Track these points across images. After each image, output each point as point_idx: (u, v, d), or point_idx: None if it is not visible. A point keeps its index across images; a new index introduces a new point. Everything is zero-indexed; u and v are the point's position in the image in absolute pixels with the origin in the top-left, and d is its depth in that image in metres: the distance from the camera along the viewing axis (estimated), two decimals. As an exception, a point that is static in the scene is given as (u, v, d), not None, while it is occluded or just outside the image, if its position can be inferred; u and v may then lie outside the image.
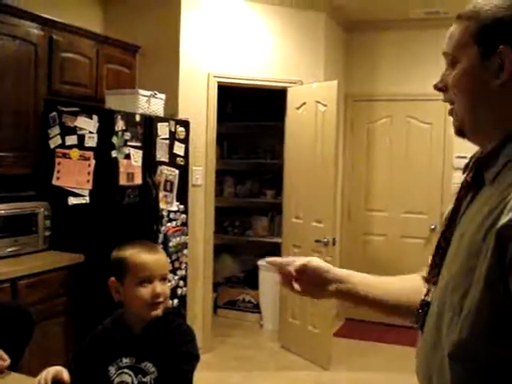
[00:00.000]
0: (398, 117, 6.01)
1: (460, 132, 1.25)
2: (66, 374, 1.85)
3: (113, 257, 2.06)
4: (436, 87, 1.30)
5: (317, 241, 4.79)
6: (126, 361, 1.96)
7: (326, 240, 4.73)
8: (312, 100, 4.94)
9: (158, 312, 1.98)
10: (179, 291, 4.48)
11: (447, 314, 1.07)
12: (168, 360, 1.91)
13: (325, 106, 4.80)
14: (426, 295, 1.25)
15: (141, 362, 1.94)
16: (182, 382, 1.92)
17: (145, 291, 1.95)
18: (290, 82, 5.24)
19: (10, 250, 3.62)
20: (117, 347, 1.98)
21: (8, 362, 2.00)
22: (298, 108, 5.12)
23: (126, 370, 1.95)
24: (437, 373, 1.11)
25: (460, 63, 1.20)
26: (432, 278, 1.24)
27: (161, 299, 1.97)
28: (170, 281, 4.35)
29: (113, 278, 2.03)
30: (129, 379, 1.94)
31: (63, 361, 2.19)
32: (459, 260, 1.07)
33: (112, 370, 1.96)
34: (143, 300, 1.95)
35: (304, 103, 5.04)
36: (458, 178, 5.84)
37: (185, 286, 4.57)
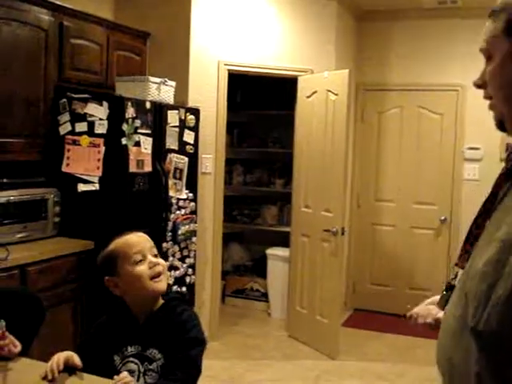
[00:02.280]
0: (409, 107, 5.97)
1: (501, 125, 1.26)
2: (77, 359, 1.85)
3: (99, 260, 2.09)
4: (475, 84, 1.32)
5: (326, 230, 4.78)
6: (131, 349, 1.96)
7: (334, 230, 4.72)
8: (323, 89, 4.91)
9: (163, 285, 1.99)
10: (188, 279, 4.48)
11: (472, 302, 1.07)
12: (174, 346, 1.91)
13: (336, 94, 4.77)
14: (453, 279, 1.28)
15: (146, 350, 1.94)
16: (189, 368, 1.91)
17: (142, 267, 1.96)
18: (301, 71, 5.21)
19: (19, 236, 3.63)
20: (121, 336, 1.99)
21: (19, 348, 2.00)
22: (308, 97, 5.09)
23: (131, 359, 1.96)
24: (460, 358, 1.13)
25: (494, 58, 1.23)
26: (461, 263, 1.26)
27: (160, 268, 1.98)
28: (178, 268, 4.36)
29: (107, 277, 2.04)
30: (135, 367, 1.94)
31: (72, 347, 2.19)
32: (492, 250, 1.07)
33: (117, 359, 1.97)
34: (143, 275, 1.95)
35: (315, 92, 5.02)
36: (469, 169, 5.82)
37: (193, 274, 4.57)
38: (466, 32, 5.59)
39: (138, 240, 2.02)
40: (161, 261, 2.02)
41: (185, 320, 1.97)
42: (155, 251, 2.04)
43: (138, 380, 1.92)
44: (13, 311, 2.13)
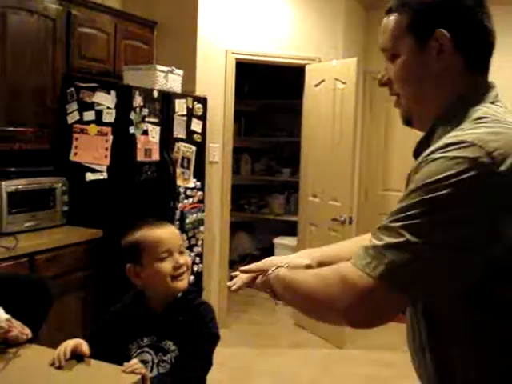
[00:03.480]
0: (418, 95, 5.94)
1: (407, 122, 1.32)
2: (85, 347, 1.86)
3: (124, 243, 2.05)
4: (380, 82, 1.33)
5: (333, 219, 4.78)
6: (146, 340, 1.97)
7: (342, 219, 4.71)
8: (331, 77, 4.89)
9: (184, 284, 1.99)
10: (195, 268, 4.50)
11: None
12: (189, 339, 1.92)
13: (344, 83, 4.75)
14: None
15: (161, 341, 1.95)
16: (202, 361, 1.93)
17: (166, 265, 1.95)
18: (309, 59, 5.19)
19: (28, 224, 3.65)
20: (137, 326, 1.99)
21: (30, 334, 2.02)
22: (316, 85, 5.07)
23: (146, 349, 1.97)
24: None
25: (400, 56, 1.24)
26: None
27: (184, 269, 1.98)
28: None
29: (129, 265, 2.02)
30: (149, 358, 1.95)
31: (81, 335, 2.20)
32: None
33: (133, 348, 1.98)
34: (166, 274, 1.95)
35: (322, 81, 5.00)
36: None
37: (201, 262, 4.59)
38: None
39: (168, 237, 2.00)
40: (186, 260, 2.01)
41: (202, 314, 1.98)
42: (182, 248, 2.03)
43: (151, 371, 1.93)
44: (20, 297, 2.14)
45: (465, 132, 1.10)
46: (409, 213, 1.06)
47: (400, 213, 1.08)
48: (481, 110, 1.16)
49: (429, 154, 1.10)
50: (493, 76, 1.28)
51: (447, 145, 1.08)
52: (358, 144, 5.90)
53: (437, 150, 1.09)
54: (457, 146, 1.06)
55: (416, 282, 1.06)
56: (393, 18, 1.25)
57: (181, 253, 2.01)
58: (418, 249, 1.04)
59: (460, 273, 1.06)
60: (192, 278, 4.41)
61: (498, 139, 1.06)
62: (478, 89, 1.22)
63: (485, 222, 1.03)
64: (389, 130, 6.06)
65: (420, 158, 1.14)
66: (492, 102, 1.20)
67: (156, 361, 1.94)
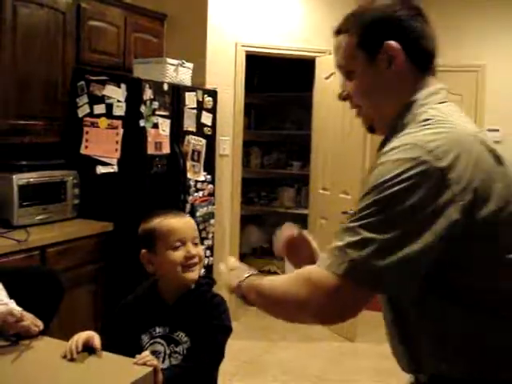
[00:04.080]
0: (428, 88, 5.91)
1: (370, 129, 1.43)
2: (97, 340, 1.85)
3: (140, 230, 2.06)
4: (340, 97, 1.45)
5: (344, 212, 4.76)
6: (158, 330, 1.97)
7: (353, 212, 4.68)
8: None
9: (195, 275, 1.99)
10: (206, 261, 4.50)
11: None
12: (201, 331, 1.91)
13: (354, 76, 4.73)
14: None
15: (174, 332, 1.95)
16: (215, 353, 1.93)
17: (178, 254, 1.96)
18: (319, 52, 5.16)
19: (39, 217, 3.66)
20: (150, 316, 1.99)
21: (42, 326, 2.02)
22: (326, 78, 5.05)
23: (158, 340, 1.97)
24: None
25: (355, 73, 1.37)
26: None
27: (195, 260, 1.98)
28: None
29: (144, 251, 2.03)
30: (161, 348, 1.95)
31: (92, 327, 2.20)
32: None
33: (145, 338, 1.98)
34: (177, 263, 1.95)
35: (333, 73, 4.96)
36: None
37: (211, 255, 4.59)
38: (486, 11, 5.50)
39: (182, 227, 2.00)
40: (199, 251, 2.01)
41: (215, 306, 1.98)
42: (197, 240, 2.03)
43: (163, 361, 1.93)
44: (32, 289, 2.15)
45: (409, 135, 1.21)
46: (364, 213, 1.17)
47: (357, 214, 1.19)
48: (427, 112, 1.27)
49: (379, 159, 1.23)
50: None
51: (392, 148, 1.20)
52: (368, 136, 5.86)
53: (384, 154, 1.22)
54: (400, 149, 1.18)
55: (377, 275, 1.15)
56: (343, 38, 1.38)
57: (195, 244, 2.01)
58: (374, 244, 1.14)
59: (415, 262, 1.15)
60: (202, 271, 4.41)
61: (438, 138, 1.17)
62: (427, 92, 1.33)
63: (431, 213, 1.14)
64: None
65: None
66: (441, 102, 1.32)
67: (168, 352, 1.94)
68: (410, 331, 1.30)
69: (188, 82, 4.34)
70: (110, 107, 3.88)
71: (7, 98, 3.52)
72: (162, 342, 1.96)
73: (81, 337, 1.85)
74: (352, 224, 1.19)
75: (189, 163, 4.26)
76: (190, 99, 4.26)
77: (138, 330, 1.99)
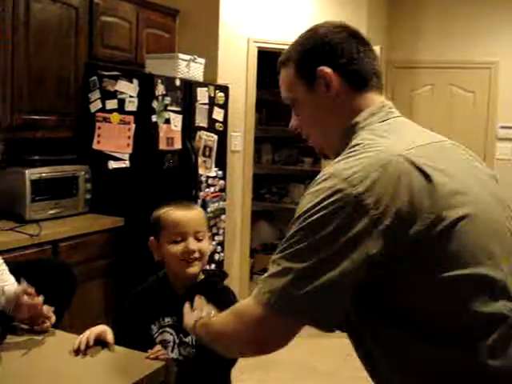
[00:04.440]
0: (441, 85, 5.88)
1: (324, 156, 1.48)
2: (109, 335, 1.86)
3: (151, 216, 2.06)
4: (292, 129, 1.49)
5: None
6: (167, 320, 1.97)
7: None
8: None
9: (194, 270, 1.96)
10: (216, 256, 4.51)
11: None
12: None
13: (366, 72, 4.71)
14: None
15: (182, 322, 1.93)
16: None
17: (177, 248, 1.94)
18: (331, 48, 5.14)
19: (51, 212, 3.68)
20: (159, 306, 1.99)
21: (54, 319, 2.03)
22: (338, 74, 5.03)
23: (167, 329, 1.96)
24: None
25: (298, 102, 1.41)
26: None
27: (195, 255, 1.94)
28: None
29: (152, 238, 2.03)
30: (170, 338, 1.95)
31: (104, 321, 2.21)
32: None
33: (154, 328, 1.98)
34: (176, 257, 1.94)
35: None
36: (501, 148, 5.72)
37: (222, 251, 4.60)
38: (498, 8, 5.46)
39: (186, 221, 1.97)
40: (201, 246, 1.97)
41: (224, 298, 1.94)
42: (200, 235, 1.98)
43: (172, 351, 1.93)
44: (44, 282, 2.15)
45: (331, 165, 1.23)
46: (285, 244, 1.20)
47: (281, 246, 1.22)
48: (359, 136, 1.29)
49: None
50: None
51: (314, 181, 1.23)
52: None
53: (308, 187, 1.25)
54: (319, 180, 1.21)
55: (296, 303, 1.17)
56: (284, 70, 1.43)
57: (198, 239, 1.97)
58: (292, 273, 1.16)
59: (335, 289, 1.16)
60: (213, 266, 4.42)
61: (356, 165, 1.18)
62: (367, 112, 1.34)
63: (348, 241, 1.14)
64: (411, 119, 5.98)
65: None
66: (383, 121, 1.33)
67: (177, 341, 1.94)
68: (376, 366, 1.30)
69: (200, 78, 4.34)
70: (122, 102, 3.89)
71: (20, 93, 3.53)
72: (171, 331, 1.96)
73: (93, 331, 1.85)
74: (275, 256, 1.22)
75: (200, 159, 4.27)
76: (202, 95, 4.27)
77: (148, 319, 1.99)
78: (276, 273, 1.20)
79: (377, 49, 4.91)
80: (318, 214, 1.16)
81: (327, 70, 1.34)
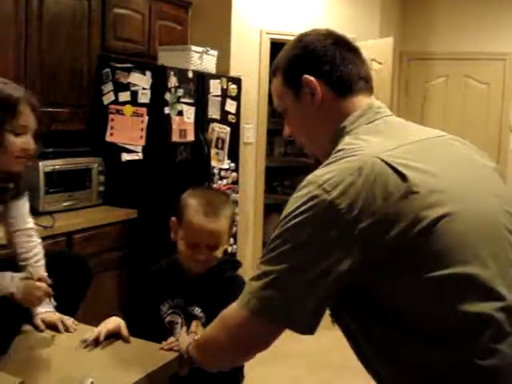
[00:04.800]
0: (455, 76, 5.84)
1: (317, 161, 1.43)
2: (124, 330, 1.86)
3: (181, 197, 1.99)
4: (285, 136, 1.52)
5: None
6: (176, 301, 1.97)
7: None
8: (367, 58, 4.81)
9: (198, 269, 1.94)
10: (229, 249, 4.50)
11: None
12: (218, 309, 1.88)
13: (380, 63, 4.69)
14: None
15: (189, 306, 1.94)
16: None
17: (187, 247, 1.91)
18: (344, 39, 5.11)
19: (64, 204, 3.69)
20: (170, 287, 1.99)
21: (72, 327, 2.03)
22: (351, 66, 5.00)
23: (176, 310, 1.96)
24: None
25: (288, 111, 1.45)
26: None
27: (201, 258, 1.90)
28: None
29: (174, 218, 1.97)
30: (178, 319, 1.95)
31: (116, 314, 2.21)
32: None
33: (164, 309, 1.98)
34: (185, 253, 1.93)
35: (358, 60, 4.93)
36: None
37: (234, 243, 4.60)
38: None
39: (200, 231, 1.88)
40: (211, 255, 1.92)
41: (234, 288, 1.87)
42: (215, 243, 1.92)
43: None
44: (60, 274, 2.16)
45: (312, 173, 1.25)
46: (267, 249, 1.24)
47: (265, 251, 1.26)
48: (343, 141, 1.30)
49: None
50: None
51: (296, 187, 1.26)
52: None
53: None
54: (300, 186, 1.24)
55: (273, 305, 1.21)
56: (274, 79, 1.47)
57: (211, 247, 1.91)
58: (270, 275, 1.20)
59: (311, 292, 1.18)
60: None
61: (332, 170, 1.20)
62: (353, 116, 1.35)
63: (324, 243, 1.16)
64: (425, 112, 5.97)
65: None
66: (369, 122, 1.33)
67: (184, 323, 1.92)
68: (369, 363, 1.32)
69: (212, 70, 4.33)
70: (134, 95, 3.89)
71: (33, 85, 3.54)
72: (179, 312, 1.95)
73: (105, 328, 1.85)
74: (259, 261, 1.26)
75: (213, 151, 4.27)
76: (215, 87, 4.26)
77: (157, 299, 1.99)
78: (257, 276, 1.24)
79: (390, 40, 4.90)
80: (296, 220, 1.19)
81: (311, 78, 1.37)
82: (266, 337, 1.28)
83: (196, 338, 1.59)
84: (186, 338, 1.67)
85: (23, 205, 2.31)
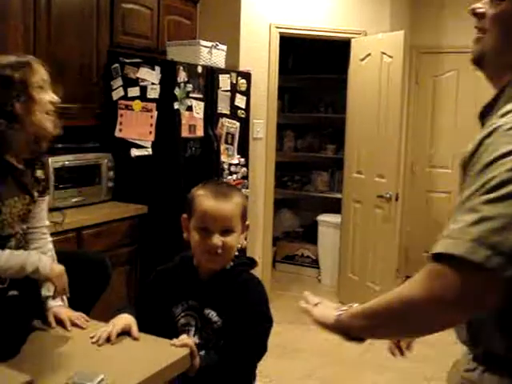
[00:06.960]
0: (466, 70, 5.75)
1: (477, 62, 1.28)
2: (134, 329, 1.83)
3: (189, 193, 1.94)
4: (473, 11, 1.28)
5: (379, 196, 4.71)
6: (191, 303, 1.91)
7: (388, 195, 4.64)
8: (377, 51, 4.78)
9: (215, 266, 1.88)
10: (244, 243, 4.49)
11: None
12: (237, 315, 1.83)
13: (390, 57, 4.64)
14: None
15: (204, 308, 1.88)
16: (256, 345, 1.85)
17: (201, 239, 1.84)
18: (354, 33, 5.08)
19: (74, 200, 3.69)
20: (183, 289, 1.93)
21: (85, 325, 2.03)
22: (362, 60, 4.97)
23: (190, 313, 1.91)
24: None
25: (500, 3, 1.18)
26: None
27: (218, 251, 1.83)
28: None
29: (184, 215, 1.92)
30: (193, 322, 1.90)
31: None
32: None
33: (177, 311, 1.93)
34: (198, 246, 1.85)
35: (368, 55, 4.89)
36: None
37: (245, 239, 4.57)
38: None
39: (213, 214, 1.83)
40: (228, 241, 1.85)
41: (250, 289, 1.89)
42: (230, 228, 1.85)
43: (194, 335, 1.89)
44: (78, 275, 2.16)
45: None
46: (482, 190, 1.04)
47: (474, 192, 1.05)
48: None
49: (496, 122, 1.08)
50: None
51: (498, 127, 1.06)
52: (404, 119, 5.77)
53: (504, 115, 1.07)
54: (506, 128, 1.04)
55: (500, 252, 0.99)
56: None
57: (224, 232, 1.84)
58: (494, 220, 1.00)
59: None
60: (236, 253, 4.41)
61: None
62: None
63: None
64: (436, 106, 5.91)
65: (488, 124, 1.11)
66: None
67: (199, 326, 1.89)
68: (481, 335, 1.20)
69: (222, 65, 4.31)
70: (144, 90, 3.88)
71: (42, 80, 3.53)
72: (194, 314, 1.90)
73: (116, 326, 1.83)
74: (469, 203, 1.05)
75: (222, 146, 4.25)
76: (224, 82, 4.24)
77: (170, 301, 1.94)
78: (474, 222, 1.02)
79: (401, 34, 4.83)
80: None
81: None
82: (491, 290, 1.03)
83: (344, 308, 1.37)
84: (324, 310, 1.44)
85: (45, 202, 2.32)
